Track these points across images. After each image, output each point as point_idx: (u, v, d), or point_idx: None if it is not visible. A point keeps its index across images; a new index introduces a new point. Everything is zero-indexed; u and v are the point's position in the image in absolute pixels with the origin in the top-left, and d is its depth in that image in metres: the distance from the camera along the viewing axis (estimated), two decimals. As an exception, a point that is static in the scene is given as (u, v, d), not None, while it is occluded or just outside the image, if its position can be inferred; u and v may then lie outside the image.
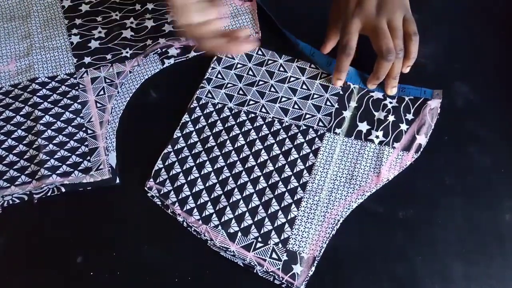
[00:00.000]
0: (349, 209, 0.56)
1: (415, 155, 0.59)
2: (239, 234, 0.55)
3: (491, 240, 0.55)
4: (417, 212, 0.57)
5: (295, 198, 0.57)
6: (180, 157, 0.60)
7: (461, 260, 0.54)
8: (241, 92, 0.64)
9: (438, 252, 0.54)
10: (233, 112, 0.63)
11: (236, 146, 0.60)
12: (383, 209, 0.57)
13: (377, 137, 0.60)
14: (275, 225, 0.55)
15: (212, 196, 0.57)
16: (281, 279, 0.52)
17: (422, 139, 0.60)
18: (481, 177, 0.59)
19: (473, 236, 0.55)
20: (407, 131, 0.60)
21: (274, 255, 0.54)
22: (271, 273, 0.53)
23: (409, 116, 0.61)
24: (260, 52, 0.67)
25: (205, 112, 0.63)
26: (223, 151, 0.60)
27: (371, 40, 0.61)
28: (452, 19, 0.71)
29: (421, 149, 0.59)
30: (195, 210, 0.56)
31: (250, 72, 0.65)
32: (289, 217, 0.56)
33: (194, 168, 0.59)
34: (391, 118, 0.61)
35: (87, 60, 0.68)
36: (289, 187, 0.57)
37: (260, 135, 0.61)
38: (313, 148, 0.60)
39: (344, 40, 0.61)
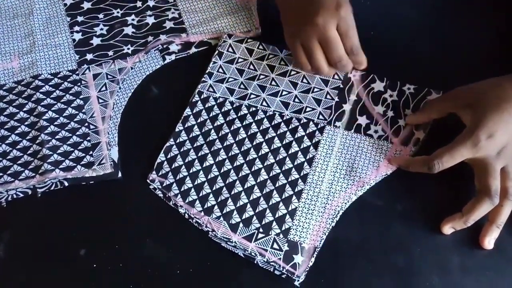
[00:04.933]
0: (349, 201, 0.57)
1: (413, 149, 0.59)
2: (241, 225, 0.55)
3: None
4: (415, 205, 0.57)
5: (296, 190, 0.57)
6: (182, 150, 0.60)
7: (459, 252, 0.54)
8: (242, 86, 0.65)
9: (437, 244, 0.55)
10: (234, 106, 0.63)
11: (237, 139, 0.61)
12: (383, 202, 0.57)
13: (376, 131, 0.61)
14: (276, 216, 0.56)
15: (214, 188, 0.58)
16: (282, 269, 0.53)
17: (420, 134, 0.60)
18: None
19: (470, 228, 0.55)
20: (405, 127, 0.61)
21: (275, 245, 0.54)
22: (272, 264, 0.53)
23: (408, 112, 0.62)
24: (261, 47, 0.67)
25: (206, 106, 0.63)
26: (225, 144, 0.61)
27: (475, 174, 0.55)
28: (452, 17, 0.72)
29: (419, 143, 0.60)
30: (197, 201, 0.57)
31: (251, 66, 0.66)
32: (290, 209, 0.56)
33: (196, 161, 0.60)
34: (390, 113, 0.62)
35: (89, 56, 0.68)
36: (290, 179, 0.58)
37: (261, 128, 0.62)
38: (313, 141, 0.60)
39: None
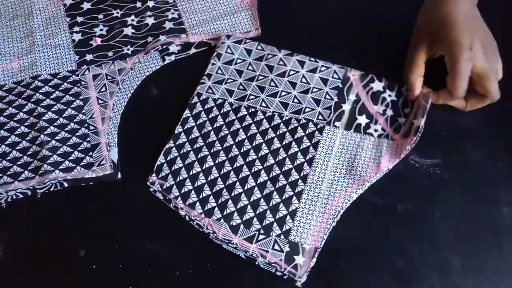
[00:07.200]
0: (349, 200, 0.56)
1: (414, 138, 0.58)
2: (242, 226, 0.55)
3: (488, 233, 0.56)
4: (415, 206, 0.57)
5: (296, 190, 0.57)
6: (181, 152, 0.60)
7: (458, 253, 0.54)
8: (241, 87, 0.65)
9: (436, 245, 0.55)
10: (233, 107, 0.63)
11: (237, 140, 0.61)
12: (383, 202, 0.57)
13: (376, 130, 0.61)
14: (277, 217, 0.56)
15: (214, 190, 0.58)
16: (283, 270, 0.53)
17: (419, 121, 0.59)
18: (478, 171, 0.59)
19: (470, 230, 0.55)
20: (405, 123, 0.61)
21: (276, 247, 0.54)
22: (273, 265, 0.53)
23: (407, 110, 0.62)
24: (259, 47, 0.67)
25: (205, 107, 0.63)
26: (224, 146, 0.61)
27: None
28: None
29: (420, 131, 0.58)
30: (198, 203, 0.57)
31: (250, 67, 0.66)
32: (290, 209, 0.56)
33: (196, 163, 0.60)
34: (389, 112, 0.62)
35: (88, 57, 0.68)
36: (290, 180, 0.58)
37: (260, 129, 0.62)
38: (313, 141, 0.60)
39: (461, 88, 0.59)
